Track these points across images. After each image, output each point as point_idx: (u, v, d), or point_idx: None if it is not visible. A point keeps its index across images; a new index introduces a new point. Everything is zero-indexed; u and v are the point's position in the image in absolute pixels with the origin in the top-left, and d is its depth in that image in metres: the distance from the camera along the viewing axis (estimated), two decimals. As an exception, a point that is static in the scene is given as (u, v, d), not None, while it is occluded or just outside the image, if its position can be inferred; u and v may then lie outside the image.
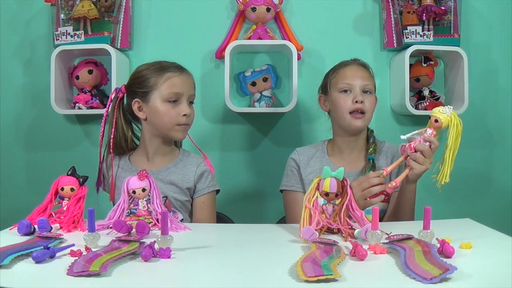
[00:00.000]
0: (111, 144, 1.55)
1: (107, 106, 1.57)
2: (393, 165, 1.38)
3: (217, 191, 1.62)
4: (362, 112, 1.55)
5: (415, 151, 1.32)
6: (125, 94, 1.58)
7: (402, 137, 1.35)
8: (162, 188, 1.49)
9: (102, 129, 1.56)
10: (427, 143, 1.31)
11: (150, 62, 1.57)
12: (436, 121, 1.29)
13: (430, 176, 1.34)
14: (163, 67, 1.53)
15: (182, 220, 1.50)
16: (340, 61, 1.67)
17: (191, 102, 1.56)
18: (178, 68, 1.55)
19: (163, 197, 1.46)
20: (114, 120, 1.55)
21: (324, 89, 1.67)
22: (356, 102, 1.54)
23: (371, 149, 1.61)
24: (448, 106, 1.31)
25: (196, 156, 1.61)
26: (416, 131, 1.34)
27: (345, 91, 1.57)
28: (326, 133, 1.73)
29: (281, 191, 1.67)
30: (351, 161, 1.61)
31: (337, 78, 1.61)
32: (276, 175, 1.72)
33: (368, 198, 1.36)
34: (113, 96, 1.57)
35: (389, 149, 1.64)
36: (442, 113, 1.29)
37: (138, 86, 1.53)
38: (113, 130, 1.55)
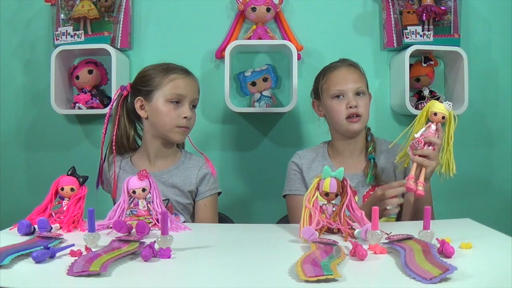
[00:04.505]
0: (113, 141, 1.55)
1: (111, 103, 1.58)
2: (414, 168, 1.33)
3: (219, 193, 1.62)
4: (358, 115, 1.55)
5: (425, 145, 1.33)
6: (130, 93, 1.57)
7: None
8: (164, 190, 1.49)
9: (105, 126, 1.56)
10: (436, 138, 1.33)
11: (158, 63, 1.57)
12: (435, 114, 1.32)
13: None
14: (169, 68, 1.53)
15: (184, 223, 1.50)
16: (329, 63, 1.65)
17: (193, 106, 1.56)
18: (184, 71, 1.55)
19: (165, 199, 1.47)
20: (117, 117, 1.56)
21: (316, 94, 1.65)
22: (350, 107, 1.53)
23: (370, 148, 1.60)
24: (448, 102, 1.34)
25: (198, 159, 1.60)
26: (423, 129, 1.35)
27: (338, 96, 1.56)
28: (326, 134, 1.72)
29: (284, 196, 1.65)
30: (353, 163, 1.60)
31: (328, 84, 1.58)
32: (276, 175, 1.72)
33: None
34: (117, 93, 1.57)
35: (388, 147, 1.63)
36: (439, 108, 1.33)
37: (142, 84, 1.53)
38: (115, 127, 1.55)
